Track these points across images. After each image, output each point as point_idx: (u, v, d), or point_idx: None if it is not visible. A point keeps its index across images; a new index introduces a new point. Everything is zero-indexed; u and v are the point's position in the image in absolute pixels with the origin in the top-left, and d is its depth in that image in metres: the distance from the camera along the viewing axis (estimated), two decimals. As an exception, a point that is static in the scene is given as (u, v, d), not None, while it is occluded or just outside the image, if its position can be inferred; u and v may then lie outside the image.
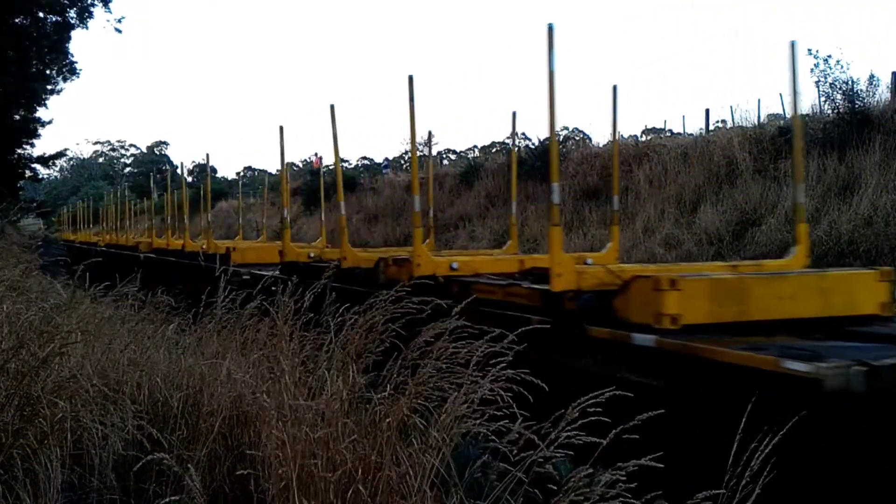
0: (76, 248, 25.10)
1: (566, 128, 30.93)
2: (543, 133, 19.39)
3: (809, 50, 13.52)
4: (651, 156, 15.45)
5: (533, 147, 19.88)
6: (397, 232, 20.21)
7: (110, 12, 23.51)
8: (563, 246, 4.67)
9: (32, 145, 25.11)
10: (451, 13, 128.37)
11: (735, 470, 2.11)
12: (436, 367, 2.85)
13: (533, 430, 2.46)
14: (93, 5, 21.97)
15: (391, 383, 2.87)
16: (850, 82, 12.59)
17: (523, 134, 22.52)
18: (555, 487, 2.28)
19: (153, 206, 21.50)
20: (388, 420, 2.58)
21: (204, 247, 12.60)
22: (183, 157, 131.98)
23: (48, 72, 23.23)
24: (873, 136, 11.42)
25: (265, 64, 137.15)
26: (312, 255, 8.46)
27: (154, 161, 75.49)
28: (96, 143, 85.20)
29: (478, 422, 2.65)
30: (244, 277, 4.40)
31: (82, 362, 3.29)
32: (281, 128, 9.27)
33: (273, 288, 4.33)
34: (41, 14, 21.53)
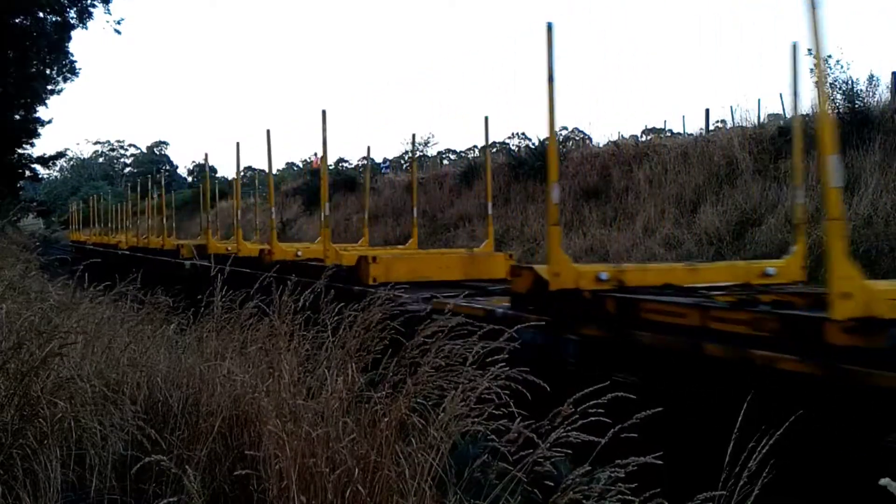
0: (88, 250, 22.19)
1: (565, 128, 30.97)
2: (543, 133, 19.41)
3: (809, 50, 13.48)
4: (651, 156, 15.44)
5: (533, 147, 19.89)
6: (397, 232, 20.21)
7: (110, 13, 23.61)
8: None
9: (32, 145, 25.17)
10: (451, 13, 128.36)
11: (732, 470, 2.11)
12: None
13: (532, 428, 2.47)
14: (93, 6, 22.02)
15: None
16: (850, 82, 12.59)
17: (523, 134, 22.57)
18: (552, 485, 2.28)
19: (173, 202, 19.08)
20: (385, 419, 2.58)
21: (299, 253, 9.11)
22: (183, 157, 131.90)
23: (48, 72, 23.26)
24: (873, 136, 11.41)
25: (265, 64, 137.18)
26: (605, 276, 4.50)
27: (154, 161, 75.50)
28: (96, 143, 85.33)
29: (478, 419, 2.65)
30: (440, 319, 3.16)
31: (82, 362, 3.30)
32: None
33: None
34: (41, 14, 21.55)
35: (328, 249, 7.99)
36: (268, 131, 10.92)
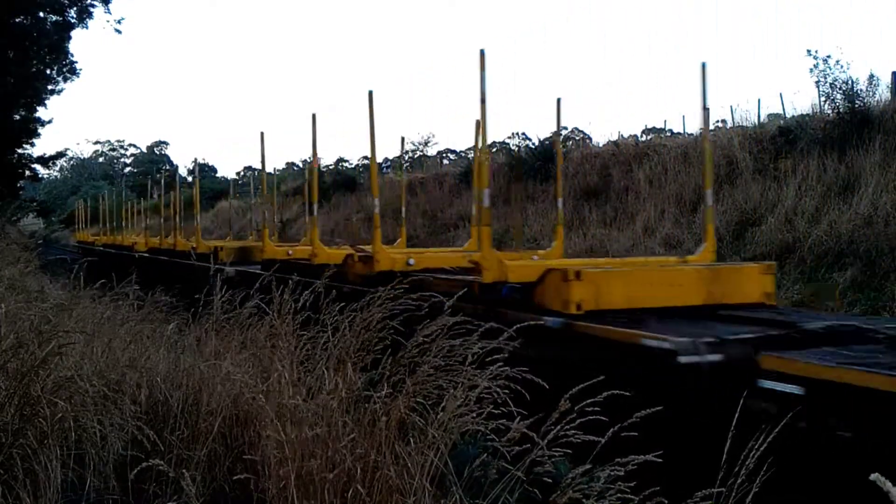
0: (99, 252, 20.45)
1: (565, 127, 30.95)
2: (543, 133, 19.41)
3: (809, 50, 13.54)
4: (651, 156, 15.44)
5: (533, 147, 19.88)
6: (397, 232, 20.22)
7: (110, 13, 23.59)
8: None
9: (32, 145, 25.14)
10: (450, 12, 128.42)
11: (731, 468, 2.11)
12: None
13: (530, 426, 2.47)
14: (92, 5, 21.98)
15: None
16: (850, 82, 12.59)
17: (523, 134, 22.54)
18: (551, 482, 2.28)
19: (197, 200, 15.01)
20: (384, 419, 2.58)
21: (411, 262, 6.64)
22: (183, 157, 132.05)
23: (48, 72, 23.25)
24: (873, 136, 11.42)
25: (265, 64, 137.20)
26: None
27: (154, 161, 75.58)
28: (96, 143, 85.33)
29: (477, 418, 2.65)
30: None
31: (81, 362, 3.30)
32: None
33: None
34: (41, 14, 21.54)
35: (489, 258, 5.02)
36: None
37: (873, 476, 1.33)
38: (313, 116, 8.77)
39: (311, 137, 8.79)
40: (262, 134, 9.95)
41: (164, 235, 17.44)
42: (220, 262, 10.08)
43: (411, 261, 6.72)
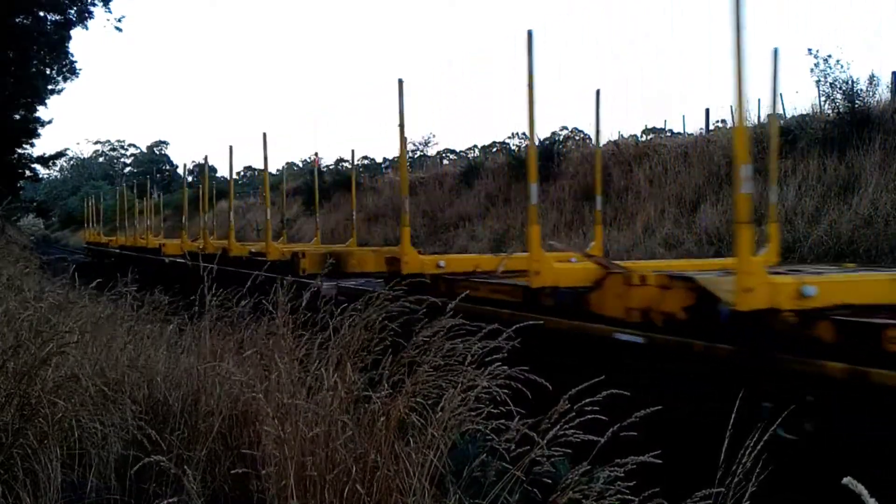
0: (117, 256, 19.12)
1: (565, 127, 30.97)
2: (543, 133, 19.41)
3: (810, 49, 13.54)
4: (651, 155, 15.44)
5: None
6: (397, 232, 20.23)
7: (110, 12, 23.63)
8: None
9: (32, 145, 25.18)
10: (451, 12, 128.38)
11: (728, 467, 2.11)
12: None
13: (530, 425, 2.46)
14: (93, 4, 22.00)
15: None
16: (850, 82, 12.59)
17: (523, 134, 22.55)
18: (550, 482, 2.28)
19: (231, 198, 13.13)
20: (382, 418, 2.57)
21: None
22: (183, 157, 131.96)
23: (48, 71, 23.27)
24: (873, 136, 11.41)
25: (265, 63, 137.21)
26: None
27: (154, 161, 75.60)
28: (96, 143, 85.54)
29: (476, 418, 2.65)
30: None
31: (81, 362, 3.30)
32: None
33: None
34: (41, 13, 21.55)
35: None
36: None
37: (846, 480, 1.33)
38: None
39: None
40: (400, 81, 6.48)
41: (206, 236, 14.40)
42: (305, 275, 8.09)
43: (810, 290, 3.44)
